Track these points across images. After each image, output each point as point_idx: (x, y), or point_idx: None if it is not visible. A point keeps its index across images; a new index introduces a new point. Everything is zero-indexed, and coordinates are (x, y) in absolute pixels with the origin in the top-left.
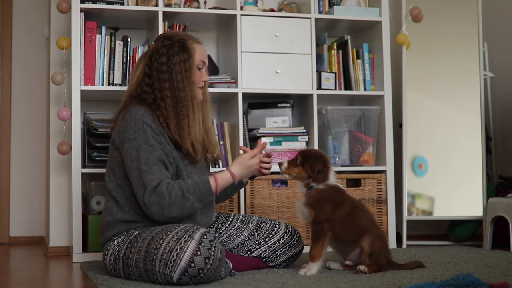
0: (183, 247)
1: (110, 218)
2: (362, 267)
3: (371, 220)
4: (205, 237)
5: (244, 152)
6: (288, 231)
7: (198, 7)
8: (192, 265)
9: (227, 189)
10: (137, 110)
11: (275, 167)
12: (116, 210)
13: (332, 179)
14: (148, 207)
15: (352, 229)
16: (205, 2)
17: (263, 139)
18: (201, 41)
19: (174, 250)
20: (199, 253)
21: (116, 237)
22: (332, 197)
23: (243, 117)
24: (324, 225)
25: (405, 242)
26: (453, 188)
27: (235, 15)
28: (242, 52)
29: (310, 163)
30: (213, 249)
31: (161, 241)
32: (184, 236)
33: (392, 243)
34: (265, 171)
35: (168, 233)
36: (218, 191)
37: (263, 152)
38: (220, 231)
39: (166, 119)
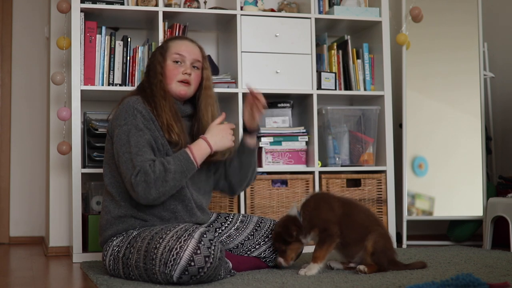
0: (183, 246)
1: (107, 217)
2: (362, 267)
3: (373, 218)
4: (204, 235)
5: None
6: None
7: (198, 7)
8: (192, 263)
9: (242, 159)
10: (129, 99)
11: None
12: (112, 207)
13: (294, 210)
14: (134, 187)
15: (355, 229)
16: (205, 2)
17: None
18: (195, 40)
19: (174, 249)
20: (199, 251)
21: (115, 238)
22: (320, 200)
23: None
24: (334, 229)
25: (405, 242)
26: (453, 188)
27: (235, 15)
28: (242, 52)
29: (289, 236)
30: (212, 247)
31: (160, 240)
32: (184, 235)
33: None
34: (256, 111)
35: (168, 232)
36: (197, 158)
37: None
38: (220, 231)
39: (150, 103)
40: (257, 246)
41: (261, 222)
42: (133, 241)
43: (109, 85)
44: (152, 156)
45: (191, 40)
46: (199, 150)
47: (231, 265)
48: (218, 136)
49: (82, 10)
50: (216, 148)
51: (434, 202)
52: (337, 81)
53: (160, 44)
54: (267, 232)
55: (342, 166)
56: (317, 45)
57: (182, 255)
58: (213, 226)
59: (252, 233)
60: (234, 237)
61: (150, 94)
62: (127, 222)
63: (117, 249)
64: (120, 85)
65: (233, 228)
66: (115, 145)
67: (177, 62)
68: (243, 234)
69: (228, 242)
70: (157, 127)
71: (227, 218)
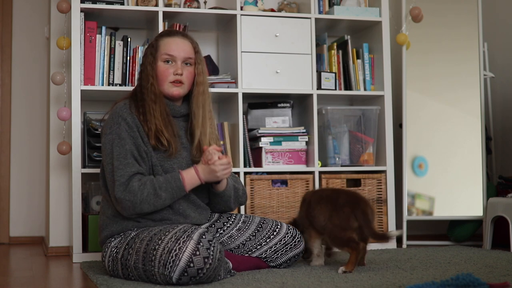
0: (182, 247)
1: (104, 217)
2: (341, 270)
3: (359, 197)
4: (203, 237)
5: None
6: (290, 232)
7: (198, 7)
8: (191, 265)
9: (220, 200)
10: (118, 104)
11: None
12: (107, 207)
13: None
14: (119, 203)
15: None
16: (205, 2)
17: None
18: (188, 36)
19: (173, 251)
20: (198, 253)
21: (112, 239)
22: (325, 202)
23: (243, 117)
24: (348, 232)
25: (405, 242)
26: (453, 188)
27: (235, 15)
28: (242, 52)
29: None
30: (212, 248)
31: (159, 242)
32: (183, 236)
33: (392, 243)
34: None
35: (167, 233)
36: (187, 188)
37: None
38: (221, 231)
39: (138, 109)
40: (258, 247)
41: (263, 223)
42: (132, 242)
43: (109, 85)
44: (135, 167)
45: (182, 35)
46: (190, 180)
47: (231, 265)
48: (208, 174)
49: (82, 10)
50: (206, 181)
51: (434, 202)
52: (337, 81)
53: (151, 42)
54: (269, 233)
55: (342, 166)
56: (317, 45)
57: (181, 257)
58: (214, 226)
59: (254, 234)
60: (236, 237)
61: (141, 98)
62: (121, 223)
63: (115, 250)
64: (120, 85)
65: (235, 228)
66: (102, 154)
67: (167, 62)
68: (244, 235)
69: (229, 242)
70: (141, 134)
71: (229, 218)
